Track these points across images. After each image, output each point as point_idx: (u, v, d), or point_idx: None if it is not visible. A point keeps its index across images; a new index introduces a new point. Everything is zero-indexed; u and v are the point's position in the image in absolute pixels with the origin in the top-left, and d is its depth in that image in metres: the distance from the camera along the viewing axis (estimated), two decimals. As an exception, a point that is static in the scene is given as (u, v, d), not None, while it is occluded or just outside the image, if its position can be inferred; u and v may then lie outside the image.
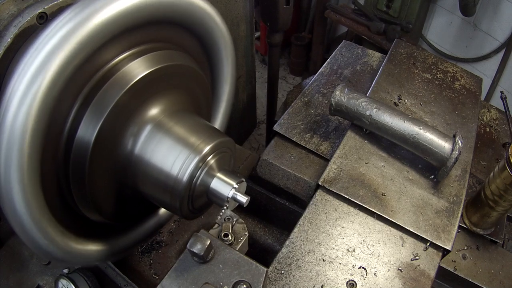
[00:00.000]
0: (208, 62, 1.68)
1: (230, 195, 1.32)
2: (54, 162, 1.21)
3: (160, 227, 1.76)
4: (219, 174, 1.35)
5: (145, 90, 1.30)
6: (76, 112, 1.20)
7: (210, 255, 1.21)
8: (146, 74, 1.27)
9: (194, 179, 1.29)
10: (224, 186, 1.33)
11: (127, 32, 1.23)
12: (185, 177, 1.27)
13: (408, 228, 1.49)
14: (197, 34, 1.53)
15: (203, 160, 1.29)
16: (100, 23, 1.10)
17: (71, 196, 1.30)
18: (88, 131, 1.20)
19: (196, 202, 1.36)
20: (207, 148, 1.30)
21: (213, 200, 1.37)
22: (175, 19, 1.39)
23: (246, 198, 1.33)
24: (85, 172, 1.23)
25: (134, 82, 1.24)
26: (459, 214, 1.55)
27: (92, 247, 1.41)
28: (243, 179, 1.36)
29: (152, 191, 1.38)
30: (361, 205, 1.54)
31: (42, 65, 1.02)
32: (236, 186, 1.32)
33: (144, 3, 1.21)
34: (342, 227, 1.50)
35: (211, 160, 1.33)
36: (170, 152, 1.30)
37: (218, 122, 1.84)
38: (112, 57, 1.25)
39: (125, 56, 1.28)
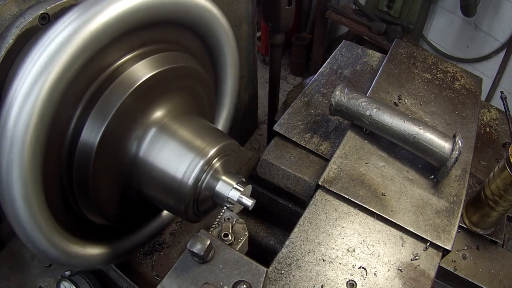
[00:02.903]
0: (212, 64, 1.67)
1: (235, 198, 1.31)
2: (57, 165, 1.20)
3: (163, 229, 1.75)
4: (224, 177, 1.34)
5: (149, 93, 1.29)
6: (79, 114, 1.19)
7: (210, 255, 1.21)
8: (151, 76, 1.26)
9: (199, 183, 1.29)
10: (230, 189, 1.32)
11: (130, 34, 1.22)
12: (190, 181, 1.26)
13: (408, 228, 1.49)
14: (201, 35, 1.52)
15: (208, 163, 1.29)
16: (103, 24, 1.09)
17: (74, 199, 1.29)
18: (92, 134, 1.19)
19: (201, 205, 1.36)
20: (212, 151, 1.29)
21: (219, 203, 1.36)
22: (179, 20, 1.38)
23: (252, 201, 1.32)
24: (88, 175, 1.22)
25: (139, 85, 1.23)
26: (459, 214, 1.55)
27: (95, 250, 1.40)
28: (245, 181, 1.36)
29: (156, 194, 1.37)
30: (361, 205, 1.54)
31: (44, 67, 1.01)
32: (241, 189, 1.32)
33: (148, 4, 1.20)
34: (342, 227, 1.50)
35: (216, 163, 1.32)
36: (175, 155, 1.29)
37: (221, 123, 1.83)
38: (116, 59, 1.24)
39: (129, 58, 1.27)
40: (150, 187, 1.36)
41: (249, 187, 1.36)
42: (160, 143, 1.31)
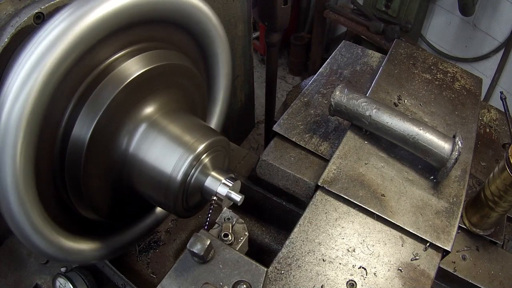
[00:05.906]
0: (204, 62, 1.68)
1: (224, 194, 1.32)
2: (49, 160, 1.21)
3: (157, 225, 1.76)
4: (213, 173, 1.35)
5: (140, 89, 1.31)
6: (71, 110, 1.20)
7: (210, 255, 1.21)
8: (141, 73, 1.28)
9: (188, 178, 1.30)
10: (218, 184, 1.33)
11: (122, 31, 1.24)
12: (179, 176, 1.27)
13: (408, 229, 1.49)
14: (193, 33, 1.53)
15: (197, 158, 1.30)
16: (95, 21, 1.11)
17: (67, 195, 1.30)
18: (83, 129, 1.21)
19: (190, 200, 1.37)
20: (201, 147, 1.30)
21: (208, 198, 1.37)
22: (171, 18, 1.39)
23: (241, 197, 1.33)
24: (80, 170, 1.24)
25: (129, 81, 1.25)
26: (459, 215, 1.55)
27: (88, 246, 1.41)
28: (234, 177, 1.37)
29: (146, 190, 1.38)
30: (360, 206, 1.54)
31: (35, 64, 1.03)
32: (230, 184, 1.33)
33: (138, 3, 1.22)
34: (342, 227, 1.50)
35: (205, 159, 1.33)
36: (164, 151, 1.30)
37: (214, 121, 1.84)
38: (108, 56, 1.25)
39: (121, 55, 1.28)
40: (140, 182, 1.37)
41: (238, 182, 1.37)
42: (150, 139, 1.32)
